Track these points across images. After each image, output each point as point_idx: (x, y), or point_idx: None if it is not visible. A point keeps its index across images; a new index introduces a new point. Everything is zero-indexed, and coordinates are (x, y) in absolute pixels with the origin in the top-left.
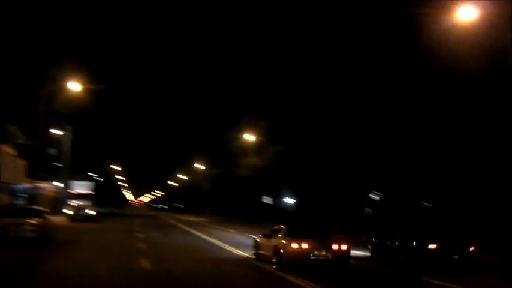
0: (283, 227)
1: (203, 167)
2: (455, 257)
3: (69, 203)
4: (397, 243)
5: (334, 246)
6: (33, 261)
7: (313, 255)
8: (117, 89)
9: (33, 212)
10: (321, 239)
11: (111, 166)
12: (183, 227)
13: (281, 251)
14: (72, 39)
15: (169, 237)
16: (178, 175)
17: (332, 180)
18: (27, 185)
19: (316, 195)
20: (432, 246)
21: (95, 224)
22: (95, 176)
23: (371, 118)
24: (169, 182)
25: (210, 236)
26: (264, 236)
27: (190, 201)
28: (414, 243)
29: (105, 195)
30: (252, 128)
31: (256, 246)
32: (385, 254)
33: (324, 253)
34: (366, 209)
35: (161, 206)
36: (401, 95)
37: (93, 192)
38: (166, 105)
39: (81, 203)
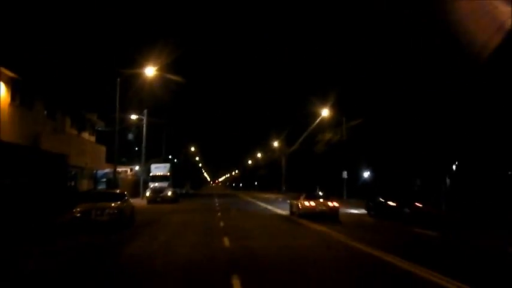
0: (303, 193)
1: (278, 145)
2: (406, 210)
3: (149, 185)
4: (377, 202)
5: (330, 204)
6: (117, 244)
7: (317, 209)
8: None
9: (114, 196)
10: (323, 200)
11: (189, 148)
12: (259, 203)
13: (299, 207)
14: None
15: (246, 214)
16: (257, 154)
17: (408, 151)
18: (107, 170)
19: (392, 168)
20: (392, 203)
21: (173, 204)
22: (172, 158)
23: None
24: (246, 161)
25: (284, 209)
26: (293, 199)
27: (267, 179)
28: (381, 201)
29: (183, 176)
30: (325, 103)
31: (290, 206)
32: (373, 210)
33: (323, 208)
34: (448, 180)
35: (236, 184)
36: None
37: (170, 174)
38: (241, 85)
39: (158, 185)
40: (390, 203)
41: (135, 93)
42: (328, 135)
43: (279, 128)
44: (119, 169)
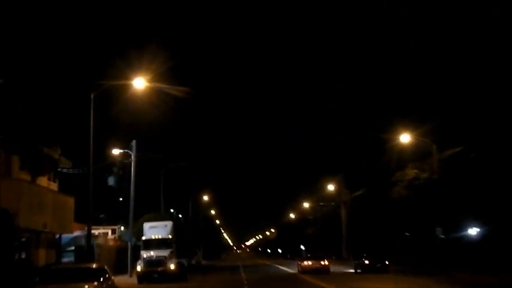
0: (303, 254)
1: (335, 188)
2: (378, 265)
3: (141, 255)
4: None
5: (322, 262)
6: None
7: (313, 266)
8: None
9: (88, 273)
10: (318, 259)
11: (201, 197)
12: None
13: (301, 265)
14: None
15: None
16: (302, 204)
17: None
18: (77, 233)
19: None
20: (366, 261)
21: (179, 284)
22: (176, 213)
23: None
24: (285, 216)
25: None
26: (298, 259)
27: (318, 239)
28: (362, 260)
29: (192, 240)
30: (407, 128)
31: (297, 266)
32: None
33: (317, 265)
34: None
35: (273, 248)
36: None
37: (173, 237)
38: (269, 107)
39: (155, 255)
40: (366, 261)
41: (118, 116)
42: (411, 173)
43: (334, 165)
44: (95, 231)
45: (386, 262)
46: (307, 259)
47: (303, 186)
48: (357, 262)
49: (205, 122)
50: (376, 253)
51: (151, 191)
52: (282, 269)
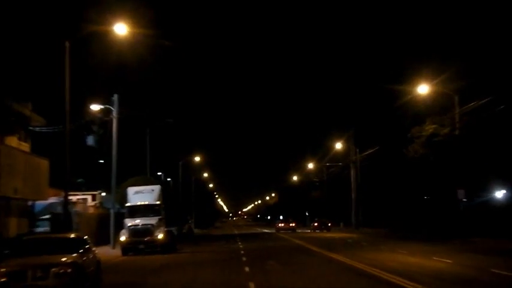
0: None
1: (342, 146)
2: (323, 227)
3: (125, 223)
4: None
5: (291, 224)
6: None
7: (284, 227)
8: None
9: (66, 244)
10: (288, 222)
11: (192, 159)
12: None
13: (276, 226)
14: None
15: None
16: (307, 166)
17: None
18: (53, 200)
19: None
20: (315, 224)
21: (168, 255)
22: (164, 177)
23: None
24: (288, 179)
25: None
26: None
27: (325, 205)
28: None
29: (183, 206)
30: (425, 78)
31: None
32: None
33: (287, 226)
34: None
35: (274, 215)
36: None
37: (161, 203)
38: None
39: (141, 223)
40: (315, 223)
41: (98, 68)
42: (429, 128)
43: (343, 121)
44: (73, 197)
45: (329, 224)
46: (281, 222)
47: (307, 145)
48: (310, 225)
49: (196, 76)
50: (390, 219)
51: (136, 152)
52: (286, 240)
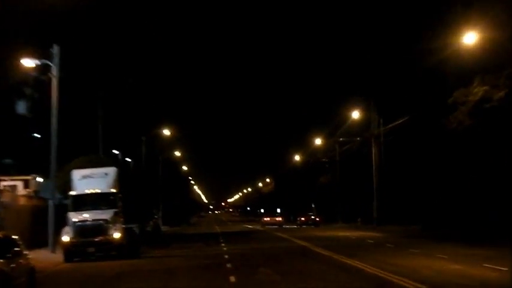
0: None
1: (359, 117)
2: (310, 222)
3: (69, 218)
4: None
5: (277, 219)
6: None
7: (269, 222)
8: None
9: None
10: (274, 216)
11: (160, 131)
12: None
13: (261, 221)
14: None
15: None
16: (313, 141)
17: None
18: None
19: None
20: (302, 219)
21: (126, 261)
22: (122, 156)
23: None
24: (287, 159)
25: None
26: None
27: (335, 193)
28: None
29: (147, 196)
30: (471, 25)
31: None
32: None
33: (273, 221)
34: None
35: (269, 207)
36: None
37: (118, 192)
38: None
39: (91, 217)
40: (302, 218)
41: (31, 10)
42: (478, 90)
43: (360, 84)
44: (1, 183)
45: (317, 219)
46: (266, 216)
47: (313, 116)
48: (296, 220)
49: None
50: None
51: (85, 123)
52: (285, 240)
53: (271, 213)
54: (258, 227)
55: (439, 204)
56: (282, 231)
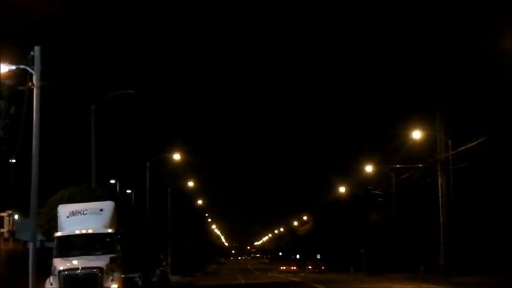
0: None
1: (421, 138)
2: (316, 270)
3: (54, 266)
4: None
5: (292, 267)
6: None
7: (286, 270)
8: None
9: None
10: (289, 265)
11: (170, 156)
12: None
13: (278, 270)
14: None
15: None
16: (363, 169)
17: None
18: None
19: None
20: (310, 267)
21: None
22: (121, 188)
23: None
24: (328, 194)
25: None
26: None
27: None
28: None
29: (153, 237)
30: None
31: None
32: None
33: (289, 269)
34: None
35: (307, 252)
36: None
37: (116, 231)
38: None
39: (80, 265)
40: (309, 267)
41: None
42: None
43: (422, 98)
44: None
45: (323, 267)
46: (283, 265)
47: (362, 137)
48: (305, 268)
49: (176, 29)
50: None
51: (74, 145)
52: None
53: (287, 262)
54: (297, 279)
55: None
56: (323, 284)
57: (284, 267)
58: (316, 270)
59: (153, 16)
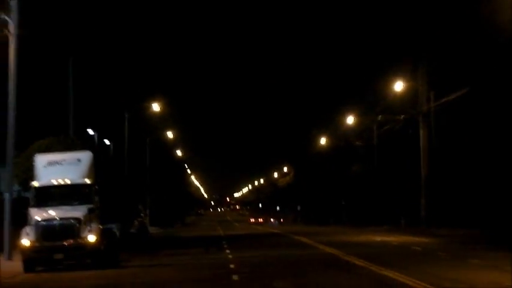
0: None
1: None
2: (282, 221)
3: (30, 216)
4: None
5: (260, 220)
6: None
7: (255, 222)
8: None
9: None
10: (257, 217)
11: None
12: None
13: (248, 221)
14: None
15: None
16: (344, 119)
17: None
18: None
19: None
20: (281, 220)
21: (103, 272)
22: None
23: None
24: (310, 143)
25: None
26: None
27: (371, 185)
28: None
29: (131, 188)
30: None
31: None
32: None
33: (257, 221)
34: None
35: (290, 202)
36: None
37: (94, 182)
38: None
39: (58, 215)
40: (281, 219)
41: None
42: None
43: (405, 47)
44: None
45: (282, 220)
46: (252, 217)
47: (344, 88)
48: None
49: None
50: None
51: (51, 95)
52: (309, 247)
53: (255, 214)
54: (277, 230)
55: (505, 202)
56: (304, 235)
57: (253, 220)
58: (277, 222)
59: None
